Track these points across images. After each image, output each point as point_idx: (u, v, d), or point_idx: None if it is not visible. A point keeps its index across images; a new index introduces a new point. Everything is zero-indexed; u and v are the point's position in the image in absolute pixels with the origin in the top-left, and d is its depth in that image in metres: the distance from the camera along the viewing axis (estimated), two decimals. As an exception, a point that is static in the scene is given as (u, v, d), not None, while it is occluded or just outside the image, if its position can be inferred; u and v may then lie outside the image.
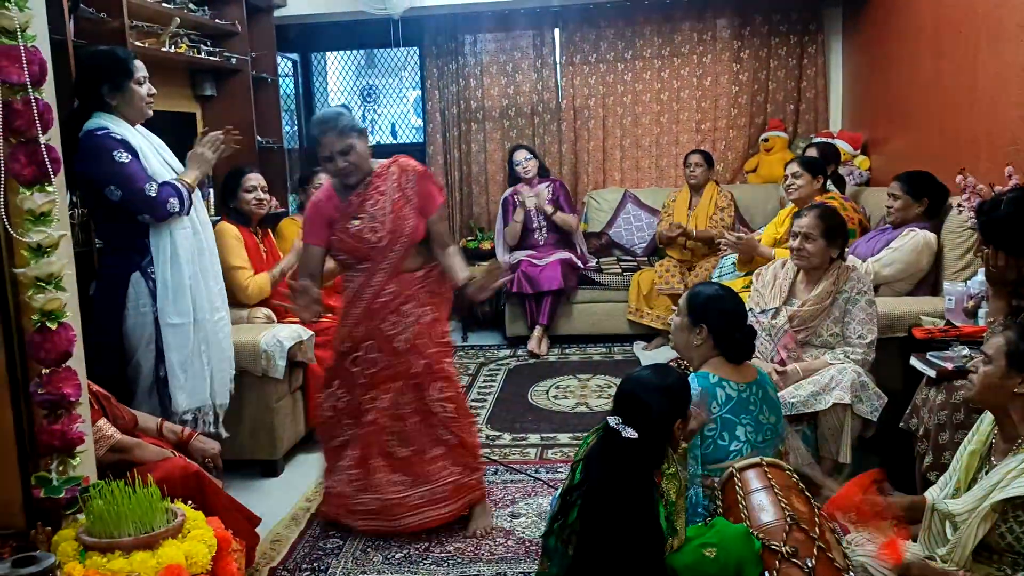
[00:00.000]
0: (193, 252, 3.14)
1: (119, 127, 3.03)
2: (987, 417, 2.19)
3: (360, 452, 3.05)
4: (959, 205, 3.76)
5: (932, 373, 2.86)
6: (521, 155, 5.89)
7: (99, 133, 2.98)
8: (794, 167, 4.40)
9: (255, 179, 4.10)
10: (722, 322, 2.66)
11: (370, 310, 3.01)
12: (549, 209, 5.78)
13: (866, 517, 2.21)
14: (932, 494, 2.29)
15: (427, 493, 3.03)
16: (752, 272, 4.36)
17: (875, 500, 2.22)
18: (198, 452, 2.81)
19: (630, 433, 2.08)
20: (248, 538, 2.66)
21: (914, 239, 3.79)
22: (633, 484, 2.06)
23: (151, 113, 3.17)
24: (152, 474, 2.26)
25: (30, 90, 1.93)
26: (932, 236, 3.83)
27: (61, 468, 2.04)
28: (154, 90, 3.15)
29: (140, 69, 3.09)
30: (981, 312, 3.26)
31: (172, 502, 2.11)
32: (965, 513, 2.03)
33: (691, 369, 2.76)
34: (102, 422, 2.51)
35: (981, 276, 3.40)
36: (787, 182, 4.42)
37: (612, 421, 2.11)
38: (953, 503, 2.09)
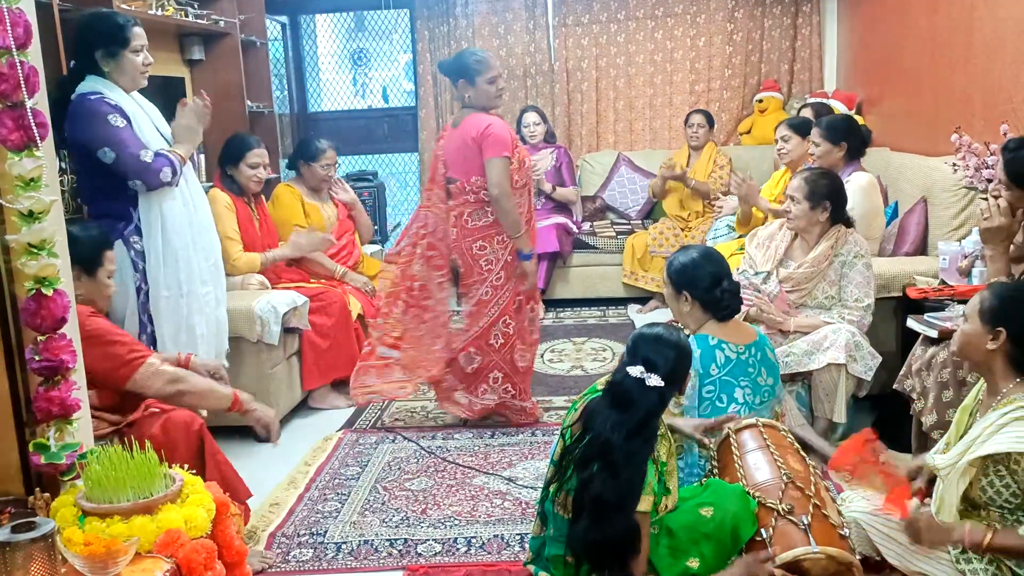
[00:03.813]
0: (183, 224, 3.11)
1: (113, 92, 2.99)
2: (983, 376, 2.21)
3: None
4: (954, 164, 3.75)
5: (934, 333, 2.87)
6: (531, 118, 5.84)
7: (92, 97, 2.94)
8: (783, 130, 4.38)
9: (260, 156, 4.06)
10: (701, 285, 2.67)
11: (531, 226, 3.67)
12: (548, 187, 5.75)
13: (862, 475, 2.24)
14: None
15: None
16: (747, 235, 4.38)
17: (870, 457, 2.25)
18: (202, 368, 2.82)
19: (656, 380, 2.09)
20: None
21: (855, 184, 3.76)
22: (643, 433, 2.07)
23: (145, 83, 3.12)
24: (156, 423, 2.31)
25: (15, 53, 1.90)
26: (865, 175, 3.86)
27: (59, 434, 2.04)
28: (151, 59, 3.09)
29: (138, 37, 3.02)
30: (975, 271, 3.26)
31: (171, 467, 2.11)
32: (947, 467, 2.05)
33: (688, 332, 2.76)
34: (153, 357, 2.57)
35: (975, 236, 3.41)
36: (778, 146, 4.41)
37: (635, 371, 2.10)
38: (939, 458, 2.12)
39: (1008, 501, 1.97)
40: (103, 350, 2.48)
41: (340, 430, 3.81)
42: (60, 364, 2.01)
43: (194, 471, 2.19)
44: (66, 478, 2.06)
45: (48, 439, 2.03)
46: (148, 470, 1.98)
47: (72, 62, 3.07)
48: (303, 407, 4.07)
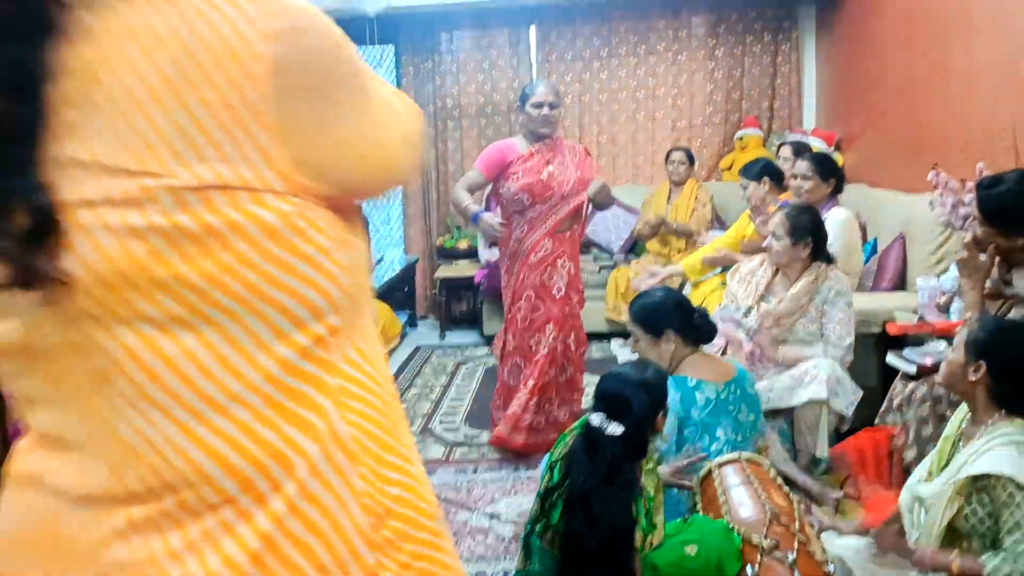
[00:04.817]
0: None
1: None
2: (965, 406, 2.23)
3: (536, 382, 3.66)
4: (931, 201, 3.80)
5: (912, 370, 2.89)
6: None
7: None
8: (740, 179, 4.42)
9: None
10: (680, 316, 2.71)
11: (528, 264, 3.63)
12: None
13: (866, 466, 2.25)
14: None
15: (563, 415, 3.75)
16: (699, 281, 4.49)
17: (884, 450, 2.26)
18: None
19: (615, 429, 2.08)
20: None
21: (834, 220, 3.77)
22: (616, 480, 2.06)
23: None
24: None
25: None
26: (843, 211, 3.88)
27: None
28: None
29: None
30: (954, 307, 3.29)
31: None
32: (933, 495, 2.06)
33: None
34: None
35: (953, 272, 3.44)
36: (742, 194, 4.45)
37: (595, 419, 2.11)
38: (924, 487, 2.13)
39: (990, 529, 1.98)
40: None
41: (321, 465, 3.77)
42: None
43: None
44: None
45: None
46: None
47: None
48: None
